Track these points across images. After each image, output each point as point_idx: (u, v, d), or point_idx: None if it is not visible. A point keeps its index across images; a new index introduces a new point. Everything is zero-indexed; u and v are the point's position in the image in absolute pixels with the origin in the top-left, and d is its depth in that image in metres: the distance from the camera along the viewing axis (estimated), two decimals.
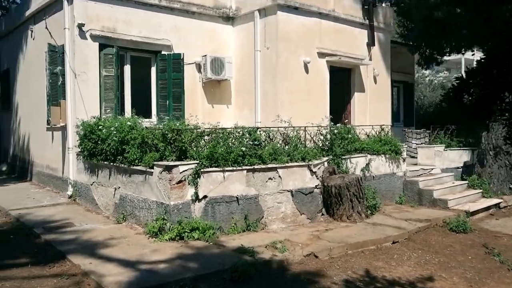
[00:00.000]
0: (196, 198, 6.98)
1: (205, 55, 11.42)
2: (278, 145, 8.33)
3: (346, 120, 12.49)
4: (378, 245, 7.31)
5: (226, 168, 7.26)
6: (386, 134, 10.53)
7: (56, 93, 10.06)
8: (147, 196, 7.27)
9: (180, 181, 6.83)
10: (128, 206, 7.76)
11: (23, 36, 12.66)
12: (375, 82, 13.57)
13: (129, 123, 7.88)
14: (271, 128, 8.50)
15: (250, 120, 11.48)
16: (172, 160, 6.94)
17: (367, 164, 9.76)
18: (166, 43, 10.98)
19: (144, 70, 11.24)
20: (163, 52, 10.99)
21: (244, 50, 11.91)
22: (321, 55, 11.92)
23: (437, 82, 27.94)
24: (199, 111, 11.25)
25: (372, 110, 13.33)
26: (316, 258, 6.48)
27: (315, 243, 6.95)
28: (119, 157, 7.85)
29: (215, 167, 7.20)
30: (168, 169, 6.76)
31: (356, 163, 9.52)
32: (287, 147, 8.42)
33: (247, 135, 7.85)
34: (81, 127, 8.98)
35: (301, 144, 8.68)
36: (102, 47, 10.02)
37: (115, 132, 7.86)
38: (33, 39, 11.88)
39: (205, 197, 7.10)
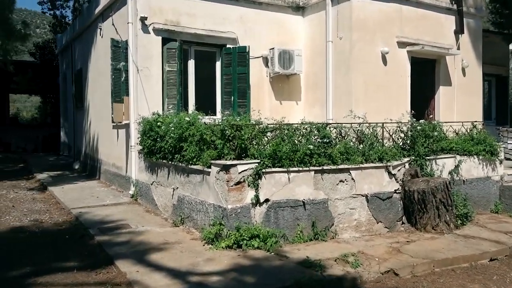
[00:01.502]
0: (257, 202, 6.23)
1: (273, 48, 10.68)
2: (351, 143, 7.34)
3: (430, 117, 11.13)
4: (472, 262, 6.13)
5: (291, 169, 6.43)
6: (479, 132, 9.10)
7: (120, 90, 9.82)
8: (204, 198, 6.64)
9: (238, 182, 6.11)
10: (186, 208, 7.20)
11: (93, 35, 12.72)
12: (464, 74, 12.03)
13: (187, 118, 7.31)
14: (343, 125, 7.53)
15: (321, 117, 10.56)
16: (230, 159, 6.25)
17: (456, 166, 8.44)
18: (231, 36, 10.38)
19: (208, 65, 10.74)
20: (228, 46, 10.40)
21: (315, 42, 11.02)
22: (401, 44, 10.70)
23: None
24: (265, 108, 10.54)
25: (460, 106, 11.82)
26: (396, 276, 5.46)
27: (395, 258, 5.91)
28: (177, 156, 7.31)
29: (279, 167, 6.40)
30: (226, 168, 6.07)
31: (442, 165, 8.26)
32: (361, 146, 7.41)
33: (315, 131, 6.96)
34: (142, 124, 8.60)
35: (378, 142, 7.62)
36: (165, 41, 9.63)
37: (173, 128, 7.34)
38: (102, 37, 11.84)
39: (266, 200, 6.32)
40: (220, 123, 6.50)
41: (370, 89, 10.21)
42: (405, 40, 10.67)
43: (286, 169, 6.40)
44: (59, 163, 16.44)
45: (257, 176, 6.19)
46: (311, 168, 6.61)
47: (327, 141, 6.94)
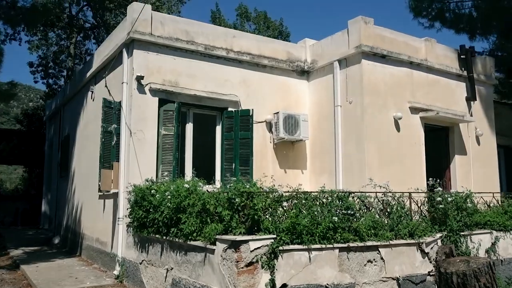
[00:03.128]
0: None
1: (277, 112, 9.94)
2: (377, 216, 6.32)
3: (446, 188, 10.24)
4: None
5: (313, 246, 5.34)
6: (508, 204, 8.14)
7: (109, 155, 8.84)
8: (206, 282, 5.44)
9: (250, 263, 4.98)
10: None
11: (83, 99, 11.96)
12: (478, 143, 11.34)
13: (186, 185, 6.29)
14: (367, 194, 6.55)
15: (329, 187, 9.53)
16: (240, 233, 5.16)
17: (493, 244, 7.40)
18: (233, 99, 9.65)
19: (207, 129, 9.90)
20: (229, 109, 9.64)
21: (322, 107, 10.33)
22: (414, 110, 10.04)
23: None
24: (269, 177, 9.54)
25: (476, 176, 10.99)
26: None
27: None
28: (173, 229, 6.20)
29: (298, 243, 5.31)
30: (235, 245, 4.96)
31: (478, 242, 7.21)
32: (386, 220, 6.38)
33: (336, 201, 5.95)
34: (133, 192, 7.53)
35: (406, 215, 6.60)
36: (162, 102, 8.84)
37: (169, 197, 6.29)
38: (93, 100, 11.06)
39: (284, 286, 5.15)
40: (227, 190, 5.47)
41: (384, 158, 9.36)
42: (418, 105, 10.04)
43: (306, 247, 5.30)
44: (37, 237, 14.97)
45: (272, 256, 5.08)
46: (335, 245, 5.53)
47: (351, 213, 5.91)
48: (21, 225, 19.86)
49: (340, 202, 5.94)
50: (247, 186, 5.49)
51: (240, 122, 9.49)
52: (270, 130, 10.14)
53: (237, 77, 9.82)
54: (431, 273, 6.38)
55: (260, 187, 5.72)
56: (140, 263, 7.35)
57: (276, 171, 9.97)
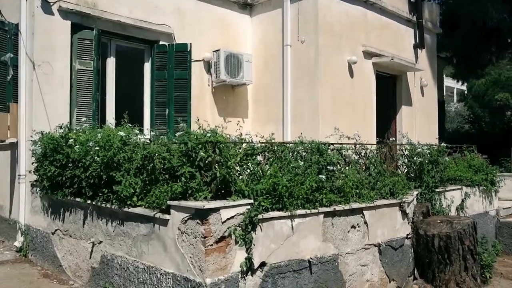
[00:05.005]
0: (249, 269, 3.82)
1: (218, 50, 8.42)
2: (357, 173, 5.28)
3: (391, 139, 9.63)
4: None
5: (297, 212, 4.15)
6: (472, 158, 7.64)
7: (4, 93, 6.76)
8: (154, 262, 4.05)
9: (221, 238, 3.66)
10: (117, 276, 4.50)
11: None
12: (422, 94, 10.85)
13: (121, 133, 4.71)
14: (343, 145, 5.47)
15: (277, 138, 8.42)
16: (205, 198, 3.78)
17: (463, 201, 6.83)
18: (166, 30, 7.91)
19: (133, 67, 8.14)
20: (161, 42, 7.91)
21: (267, 46, 8.97)
22: (367, 55, 9.11)
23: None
24: (207, 126, 8.15)
25: (420, 128, 10.54)
26: None
27: None
28: (103, 191, 4.62)
29: (278, 209, 4.08)
30: (201, 215, 3.59)
31: (451, 199, 6.58)
32: (367, 177, 5.37)
33: (317, 155, 4.77)
34: (40, 142, 5.71)
35: (384, 171, 5.66)
36: (76, 28, 6.88)
37: (97, 148, 4.66)
38: None
39: (262, 265, 3.94)
40: (185, 140, 4.00)
41: (337, 106, 8.39)
42: (371, 50, 9.10)
43: (289, 213, 4.09)
44: None
45: (249, 227, 3.80)
46: (320, 209, 4.39)
47: (333, 169, 4.78)
48: None
49: (321, 156, 4.77)
50: (209, 135, 4.08)
51: (175, 59, 7.83)
52: (208, 71, 8.61)
53: (170, 3, 8.04)
54: (408, 236, 5.59)
55: (228, 135, 4.35)
56: (53, 233, 5.68)
57: (215, 119, 8.53)
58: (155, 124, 7.80)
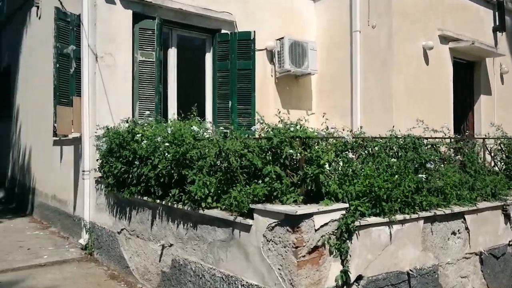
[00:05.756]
0: (345, 283, 3.32)
1: (282, 38, 7.92)
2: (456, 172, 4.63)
3: (467, 133, 8.81)
4: None
5: (398, 218, 3.61)
6: None
7: (67, 86, 6.59)
8: (235, 271, 3.63)
9: (314, 248, 3.19)
10: (191, 284, 4.14)
11: (26, 18, 9.35)
12: (502, 82, 9.87)
13: (194, 127, 4.33)
14: (437, 139, 4.84)
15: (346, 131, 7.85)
16: (295, 202, 3.32)
17: None
18: (228, 18, 7.50)
19: (194, 57, 7.81)
20: (223, 31, 7.51)
21: (333, 33, 8.37)
22: (443, 39, 8.29)
23: None
24: (270, 119, 7.69)
25: (499, 119, 9.57)
26: None
27: None
28: (173, 191, 4.26)
29: (374, 215, 3.56)
30: (292, 222, 3.13)
31: None
32: (465, 176, 4.71)
33: (410, 152, 4.19)
34: (105, 138, 5.45)
35: (481, 169, 4.98)
36: (137, 18, 6.59)
37: (167, 144, 4.30)
38: (39, 17, 8.53)
39: (359, 278, 3.43)
40: (269, 135, 3.55)
41: (413, 95, 7.68)
42: (449, 34, 8.27)
43: (387, 219, 3.56)
44: None
45: (345, 235, 3.30)
46: (421, 214, 3.83)
47: (431, 167, 4.18)
48: None
49: (415, 152, 4.18)
50: (298, 129, 3.60)
51: (238, 48, 7.41)
52: (271, 61, 8.14)
53: None
54: (510, 243, 4.90)
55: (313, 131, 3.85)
56: (119, 233, 5.43)
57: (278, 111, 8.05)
58: (217, 117, 7.43)
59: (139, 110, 6.48)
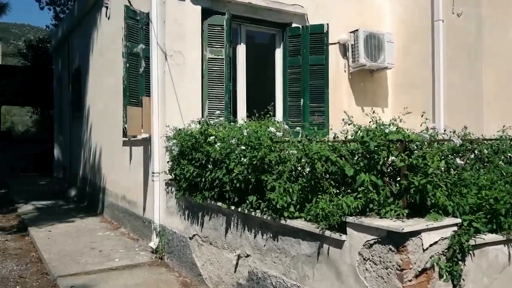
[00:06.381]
0: None
1: (356, 30, 7.39)
2: None
3: None
4: None
5: None
6: None
7: (137, 86, 6.49)
8: None
9: (422, 271, 2.73)
10: None
11: (96, 19, 9.45)
12: None
13: (272, 129, 3.98)
14: None
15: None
16: (398, 216, 2.87)
17: None
18: (299, 11, 7.09)
19: (262, 54, 7.47)
20: (294, 25, 7.11)
21: (411, 23, 7.72)
22: None
23: None
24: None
25: None
26: None
27: None
28: (251, 198, 3.93)
29: (490, 231, 3.03)
30: (396, 240, 2.69)
31: None
32: None
33: None
34: (175, 139, 5.25)
35: None
36: (206, 14, 6.34)
37: (243, 147, 3.98)
38: (108, 18, 8.56)
39: None
40: (365, 139, 3.12)
41: (506, 92, 6.89)
42: None
43: (506, 237, 3.02)
44: (51, 188, 13.02)
45: (458, 256, 2.81)
46: None
47: None
48: (34, 171, 18.04)
49: None
50: (393, 130, 3.14)
51: (310, 43, 6.99)
52: (344, 55, 7.64)
53: None
54: None
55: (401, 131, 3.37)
56: (190, 238, 5.20)
57: (352, 109, 7.51)
58: (288, 116, 7.06)
59: (208, 109, 6.25)
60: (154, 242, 6.09)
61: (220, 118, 5.53)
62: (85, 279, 5.21)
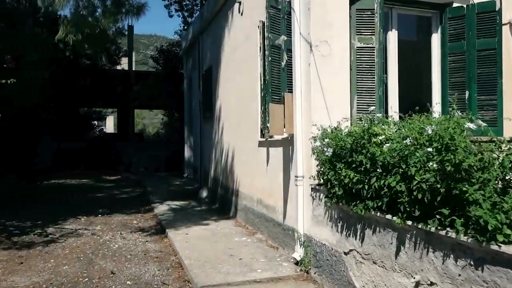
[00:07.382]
0: None
1: None
2: None
3: None
4: None
5: None
6: None
7: (279, 82, 5.98)
8: None
9: None
10: None
11: (228, 17, 9.24)
12: None
13: (470, 125, 3.12)
14: None
15: None
16: None
17: None
18: None
19: (415, 40, 6.53)
20: (455, 4, 6.05)
21: None
22: None
23: None
24: None
25: None
26: None
27: None
28: (444, 211, 3.10)
29: None
30: None
31: None
32: None
33: None
34: (326, 139, 4.59)
35: None
36: None
37: (429, 149, 3.16)
38: (241, 14, 8.26)
39: None
40: None
41: None
42: None
43: None
44: (183, 189, 13.32)
45: None
46: None
47: None
48: (165, 171, 18.95)
49: None
50: None
51: (477, 24, 5.86)
52: None
53: None
54: None
55: None
56: (346, 253, 4.50)
57: None
58: (448, 111, 6.00)
59: (357, 105, 5.50)
60: (298, 254, 5.51)
61: (378, 115, 4.75)
62: None
